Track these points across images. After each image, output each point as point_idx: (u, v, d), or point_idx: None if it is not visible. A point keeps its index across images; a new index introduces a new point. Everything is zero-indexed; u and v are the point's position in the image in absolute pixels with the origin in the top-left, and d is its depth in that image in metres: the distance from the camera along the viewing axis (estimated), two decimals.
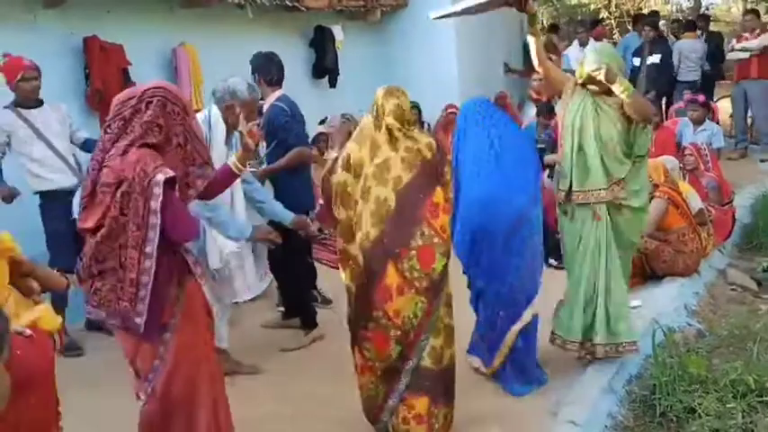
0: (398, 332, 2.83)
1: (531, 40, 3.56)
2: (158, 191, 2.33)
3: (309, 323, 4.36)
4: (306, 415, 3.42)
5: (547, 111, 6.97)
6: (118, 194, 2.35)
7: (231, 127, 3.60)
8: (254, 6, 6.36)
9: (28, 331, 1.96)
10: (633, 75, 8.43)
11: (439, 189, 2.90)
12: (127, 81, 5.44)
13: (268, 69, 4.30)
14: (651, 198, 4.99)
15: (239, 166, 2.89)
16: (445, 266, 2.89)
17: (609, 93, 3.43)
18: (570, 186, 3.55)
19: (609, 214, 3.53)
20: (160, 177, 2.33)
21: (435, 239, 2.83)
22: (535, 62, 3.62)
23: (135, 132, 2.42)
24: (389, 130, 2.89)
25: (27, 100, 4.33)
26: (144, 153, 2.38)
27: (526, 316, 3.44)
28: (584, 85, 3.53)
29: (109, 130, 2.47)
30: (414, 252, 2.79)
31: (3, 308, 1.87)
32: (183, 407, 2.52)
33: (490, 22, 8.95)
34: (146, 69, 5.59)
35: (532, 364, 3.57)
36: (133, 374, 2.54)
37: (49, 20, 5.06)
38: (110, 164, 2.40)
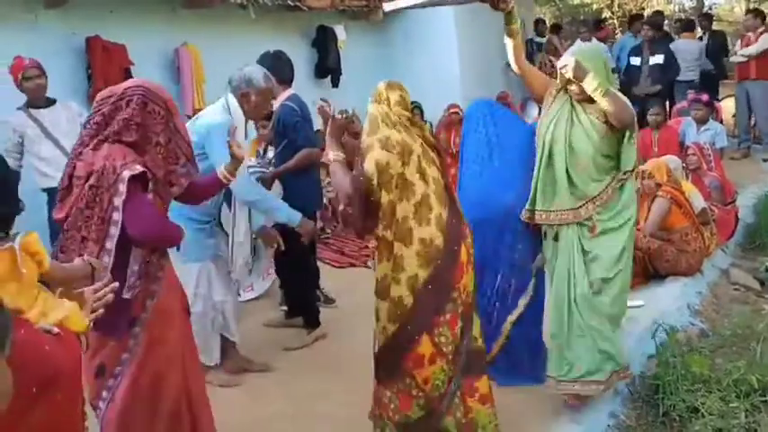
0: (463, 307, 2.76)
1: (506, 40, 3.23)
2: (122, 188, 2.34)
3: (312, 322, 4.36)
4: (308, 414, 3.42)
5: None
6: (86, 187, 2.37)
7: (246, 115, 3.62)
8: (257, 6, 6.37)
9: (56, 329, 1.97)
10: (632, 74, 8.43)
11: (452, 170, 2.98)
12: None
13: (280, 68, 4.26)
14: (654, 198, 5.02)
15: (227, 175, 2.87)
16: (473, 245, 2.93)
17: (592, 99, 3.00)
18: (534, 204, 3.21)
19: (580, 239, 3.12)
20: (126, 174, 2.34)
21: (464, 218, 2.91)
22: (512, 63, 3.29)
23: (112, 129, 2.45)
24: (410, 120, 2.86)
25: (36, 99, 4.39)
26: (115, 149, 2.41)
27: (519, 307, 3.52)
28: (566, 89, 3.14)
29: (88, 126, 2.50)
30: (468, 232, 2.85)
31: (27, 311, 1.90)
32: (148, 403, 2.49)
33: (492, 21, 8.94)
34: (148, 69, 5.60)
35: (529, 359, 3.54)
36: (92, 375, 2.48)
37: (51, 20, 5.08)
38: (83, 157, 2.43)
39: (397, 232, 2.71)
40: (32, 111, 4.37)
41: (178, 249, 3.24)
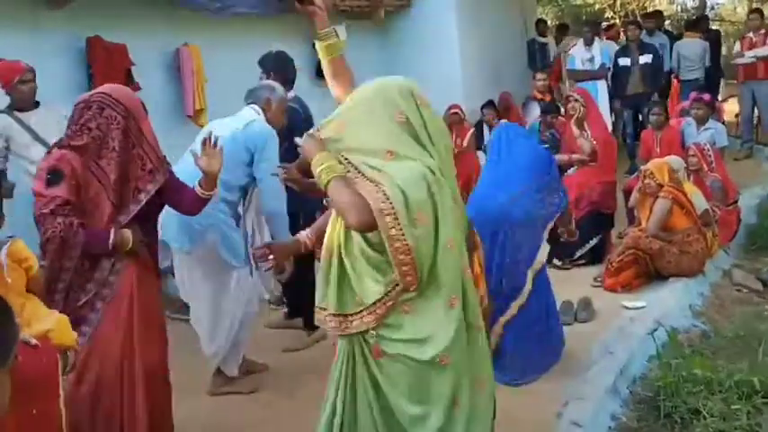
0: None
1: (318, 45, 2.65)
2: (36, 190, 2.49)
3: (312, 324, 4.34)
4: (309, 415, 3.40)
5: (552, 110, 6.96)
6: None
7: (269, 123, 3.66)
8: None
9: (34, 341, 1.95)
10: (621, 75, 8.41)
11: None
12: (130, 81, 5.44)
13: (284, 68, 4.28)
14: (656, 199, 5.00)
15: (204, 192, 2.84)
16: None
17: None
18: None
19: (368, 365, 2.09)
20: (36, 183, 2.50)
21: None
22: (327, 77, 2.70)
23: (67, 133, 2.55)
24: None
25: (24, 102, 4.30)
26: (56, 153, 2.52)
27: (512, 309, 3.55)
28: None
29: (66, 131, 2.61)
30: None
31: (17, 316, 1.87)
32: (88, 405, 2.50)
33: (494, 22, 8.95)
34: (149, 70, 5.60)
35: (520, 361, 3.55)
36: None
37: (52, 21, 5.07)
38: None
39: None
40: (18, 114, 4.27)
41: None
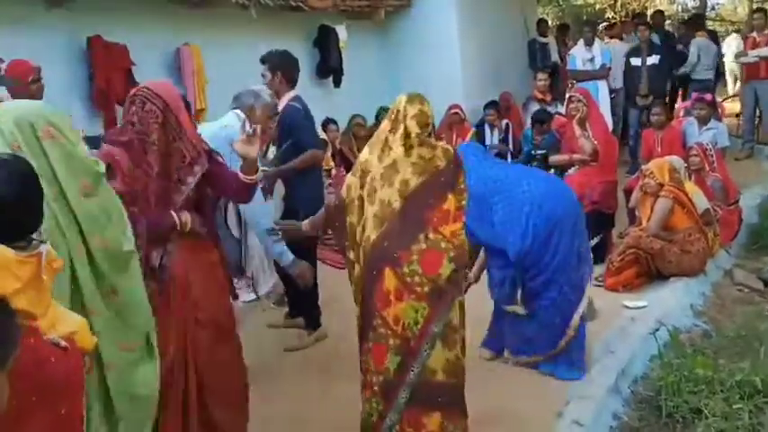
0: (398, 340, 2.67)
1: None
2: None
3: (314, 323, 4.35)
4: (309, 414, 3.41)
5: (544, 119, 6.93)
6: None
7: None
8: (258, 6, 6.35)
9: (63, 342, 1.97)
10: (633, 75, 8.41)
11: (451, 196, 2.75)
12: (131, 81, 5.44)
13: (287, 67, 4.28)
14: (657, 198, 5.00)
15: (246, 177, 2.82)
16: (455, 273, 2.69)
17: None
18: None
19: None
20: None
21: (443, 244, 2.68)
22: None
23: (115, 130, 2.61)
24: (408, 134, 2.78)
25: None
26: (102, 150, 2.53)
27: (585, 298, 3.74)
28: None
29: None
30: (416, 256, 2.65)
31: (39, 318, 1.91)
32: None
33: (494, 21, 8.95)
34: (149, 69, 5.59)
35: (583, 352, 3.74)
36: None
37: (53, 20, 5.07)
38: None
39: (358, 253, 2.79)
40: None
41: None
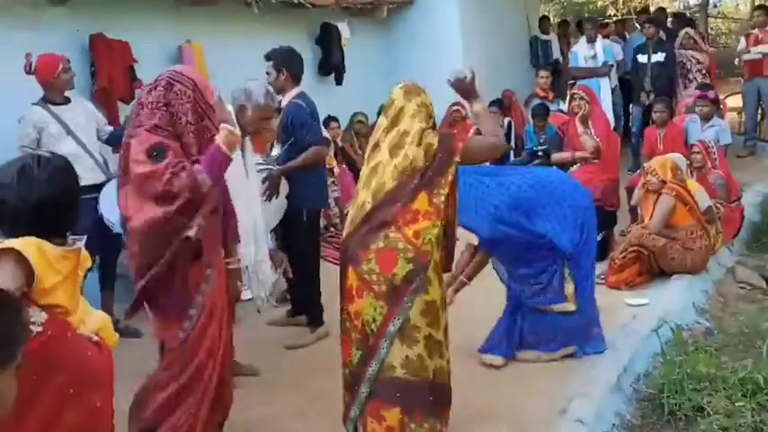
0: (359, 335, 2.72)
1: None
2: None
3: (316, 321, 4.35)
4: (311, 413, 3.41)
5: (542, 113, 6.93)
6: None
7: (242, 129, 3.56)
8: (261, 4, 6.35)
9: (95, 337, 2.04)
10: (640, 72, 8.40)
11: (423, 195, 2.70)
12: (133, 78, 5.45)
13: (292, 64, 4.27)
14: (659, 195, 4.99)
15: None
16: (411, 273, 2.65)
17: None
18: None
19: None
20: (141, 167, 2.56)
21: (400, 244, 2.65)
22: None
23: (143, 115, 2.59)
24: (404, 132, 2.78)
25: (59, 95, 4.36)
26: (143, 137, 2.58)
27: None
28: None
29: (134, 116, 2.67)
30: (373, 255, 2.66)
31: (72, 314, 1.96)
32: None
33: (496, 19, 8.93)
34: (152, 67, 5.53)
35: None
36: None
37: (56, 17, 5.07)
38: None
39: None
40: (51, 107, 4.31)
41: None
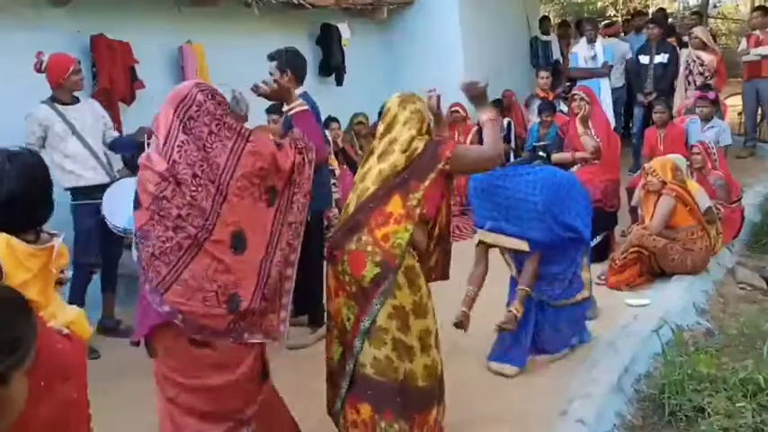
0: (338, 332, 2.83)
1: None
2: None
3: (317, 320, 4.36)
4: (311, 413, 3.41)
5: (548, 109, 6.94)
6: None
7: None
8: (261, 4, 6.35)
9: (66, 330, 2.05)
10: (641, 73, 8.41)
11: (396, 198, 2.70)
12: (134, 79, 5.45)
13: (296, 64, 4.29)
14: (660, 196, 4.99)
15: None
16: (378, 276, 2.65)
17: None
18: None
19: None
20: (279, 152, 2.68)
21: (369, 247, 2.67)
22: None
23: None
24: (394, 140, 2.81)
25: (68, 95, 4.36)
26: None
27: None
28: None
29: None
30: (346, 256, 2.72)
31: (42, 309, 1.95)
32: None
33: (496, 19, 8.94)
34: (152, 68, 5.60)
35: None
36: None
37: (56, 18, 5.07)
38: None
39: None
40: (58, 106, 4.31)
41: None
